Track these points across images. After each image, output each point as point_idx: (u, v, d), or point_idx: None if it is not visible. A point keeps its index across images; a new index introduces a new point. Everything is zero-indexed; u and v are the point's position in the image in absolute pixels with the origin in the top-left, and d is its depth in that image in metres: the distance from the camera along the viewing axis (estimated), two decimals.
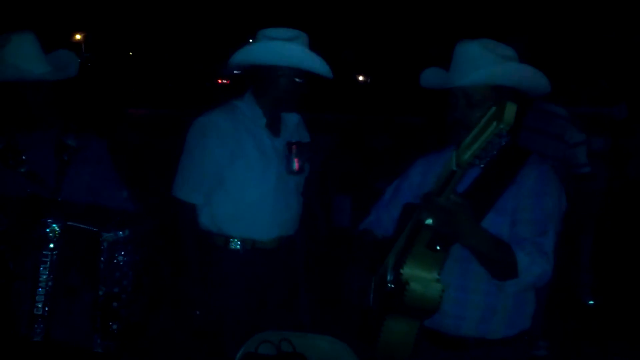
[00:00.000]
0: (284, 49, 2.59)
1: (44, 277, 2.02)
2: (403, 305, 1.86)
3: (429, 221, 1.75)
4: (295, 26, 2.68)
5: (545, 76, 2.01)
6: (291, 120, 2.78)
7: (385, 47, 14.82)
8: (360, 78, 17.54)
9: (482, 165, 1.60)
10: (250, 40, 2.73)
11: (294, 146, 2.65)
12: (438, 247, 1.83)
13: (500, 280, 1.87)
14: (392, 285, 1.90)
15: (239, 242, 2.67)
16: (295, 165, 2.66)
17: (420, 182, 2.17)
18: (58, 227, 2.04)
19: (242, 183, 2.69)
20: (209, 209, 2.74)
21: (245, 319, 2.72)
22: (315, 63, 2.62)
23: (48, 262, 2.02)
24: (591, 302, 4.76)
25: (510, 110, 1.47)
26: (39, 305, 2.02)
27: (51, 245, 2.03)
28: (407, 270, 1.85)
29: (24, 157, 2.22)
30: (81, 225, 2.09)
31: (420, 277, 1.84)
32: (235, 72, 2.90)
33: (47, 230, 2.03)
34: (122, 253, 2.12)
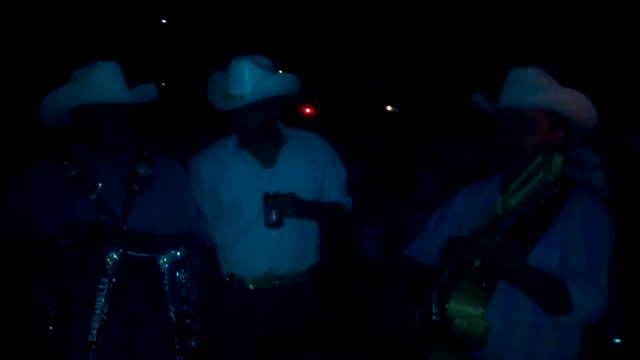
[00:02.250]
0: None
1: (100, 304, 2.05)
2: (448, 340, 1.85)
3: (477, 263, 1.74)
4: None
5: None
6: (295, 148, 2.63)
7: (413, 77, 14.85)
8: (389, 108, 17.55)
9: (528, 212, 1.59)
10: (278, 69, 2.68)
11: (270, 198, 2.47)
12: (483, 284, 1.81)
13: (554, 316, 1.83)
14: (437, 318, 1.89)
15: (227, 275, 2.62)
16: (273, 217, 2.48)
17: (465, 212, 2.16)
18: (117, 255, 2.07)
19: (222, 217, 2.62)
20: None
21: (242, 353, 2.62)
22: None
23: (105, 290, 2.06)
24: (617, 340, 4.57)
25: (557, 161, 1.48)
26: (94, 333, 2.05)
27: (109, 273, 2.07)
28: (452, 306, 1.85)
29: (96, 184, 2.27)
30: (137, 254, 2.11)
31: (465, 313, 1.84)
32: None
33: (106, 258, 2.07)
34: (182, 270, 2.15)
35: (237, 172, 2.59)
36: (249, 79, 2.46)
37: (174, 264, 2.14)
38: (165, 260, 2.14)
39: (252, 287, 2.60)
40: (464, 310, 1.83)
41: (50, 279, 2.07)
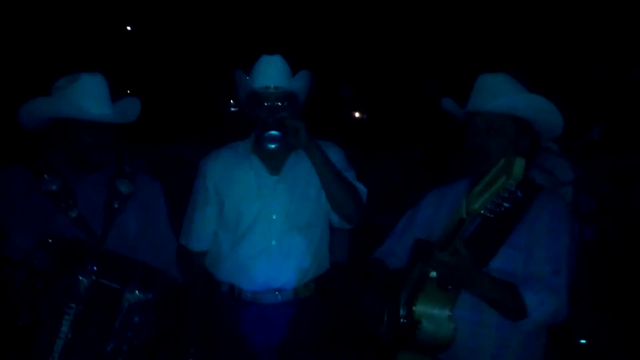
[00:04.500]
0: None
1: (65, 328, 2.03)
2: (415, 342, 1.87)
3: (433, 274, 1.78)
4: (295, 62, 2.62)
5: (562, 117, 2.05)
6: (303, 155, 2.58)
7: (381, 83, 14.95)
8: (357, 114, 17.62)
9: (492, 216, 1.61)
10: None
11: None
12: (450, 287, 1.84)
13: (512, 321, 1.87)
14: (405, 320, 1.90)
15: (227, 287, 2.58)
16: (270, 127, 2.37)
17: (433, 215, 2.20)
18: (87, 282, 2.04)
19: (224, 222, 2.59)
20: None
21: None
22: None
23: (72, 315, 2.03)
24: (583, 341, 4.62)
25: (519, 165, 1.51)
26: (55, 356, 2.02)
27: (77, 298, 2.05)
28: (420, 308, 1.88)
29: (76, 201, 2.20)
30: (108, 283, 2.08)
31: (432, 315, 1.86)
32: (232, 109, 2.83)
33: (77, 282, 2.05)
34: (140, 314, 2.12)
35: (242, 176, 2.57)
36: (284, 70, 2.52)
37: (136, 306, 2.11)
38: (129, 299, 2.10)
39: (251, 299, 2.54)
40: (431, 312, 1.86)
41: (22, 289, 2.01)
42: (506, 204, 1.57)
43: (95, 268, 2.07)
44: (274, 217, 2.52)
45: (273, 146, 2.38)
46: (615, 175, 4.76)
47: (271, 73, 2.49)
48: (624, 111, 5.17)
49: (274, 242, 2.52)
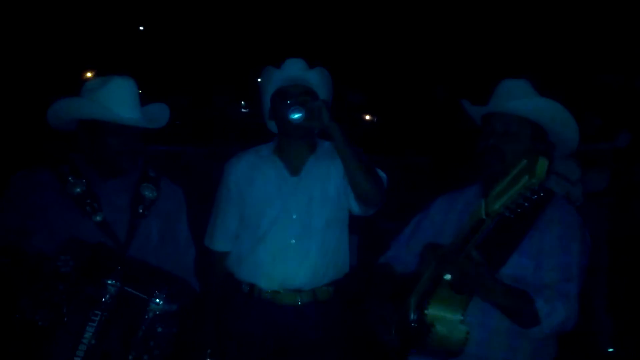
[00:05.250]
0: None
1: (89, 334, 2.00)
2: (427, 346, 1.86)
3: (448, 277, 1.76)
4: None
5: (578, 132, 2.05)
6: (321, 157, 2.63)
7: (392, 87, 14.96)
8: (367, 117, 17.63)
9: (512, 216, 1.61)
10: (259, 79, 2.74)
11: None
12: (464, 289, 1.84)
13: (523, 328, 1.86)
14: (416, 325, 1.90)
15: (247, 287, 2.60)
16: (296, 108, 2.42)
17: (442, 220, 2.19)
18: (114, 290, 2.02)
19: (245, 223, 2.62)
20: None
21: None
22: None
23: (96, 322, 2.00)
24: (611, 350, 4.59)
25: (542, 165, 1.49)
26: None
27: (103, 307, 2.02)
28: (432, 311, 1.87)
29: (101, 205, 2.19)
30: (134, 292, 2.05)
31: (444, 318, 1.86)
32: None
33: (104, 290, 2.01)
34: (163, 325, 2.09)
35: (265, 176, 2.59)
36: (305, 66, 2.63)
37: (160, 316, 2.07)
38: (154, 309, 2.07)
39: (270, 300, 2.53)
40: (443, 315, 1.85)
41: (44, 290, 1.98)
42: (527, 204, 1.56)
43: (121, 276, 2.02)
44: (294, 217, 2.55)
45: (297, 116, 2.39)
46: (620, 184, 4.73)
47: (294, 67, 2.60)
48: (632, 119, 5.14)
49: (292, 242, 2.54)
